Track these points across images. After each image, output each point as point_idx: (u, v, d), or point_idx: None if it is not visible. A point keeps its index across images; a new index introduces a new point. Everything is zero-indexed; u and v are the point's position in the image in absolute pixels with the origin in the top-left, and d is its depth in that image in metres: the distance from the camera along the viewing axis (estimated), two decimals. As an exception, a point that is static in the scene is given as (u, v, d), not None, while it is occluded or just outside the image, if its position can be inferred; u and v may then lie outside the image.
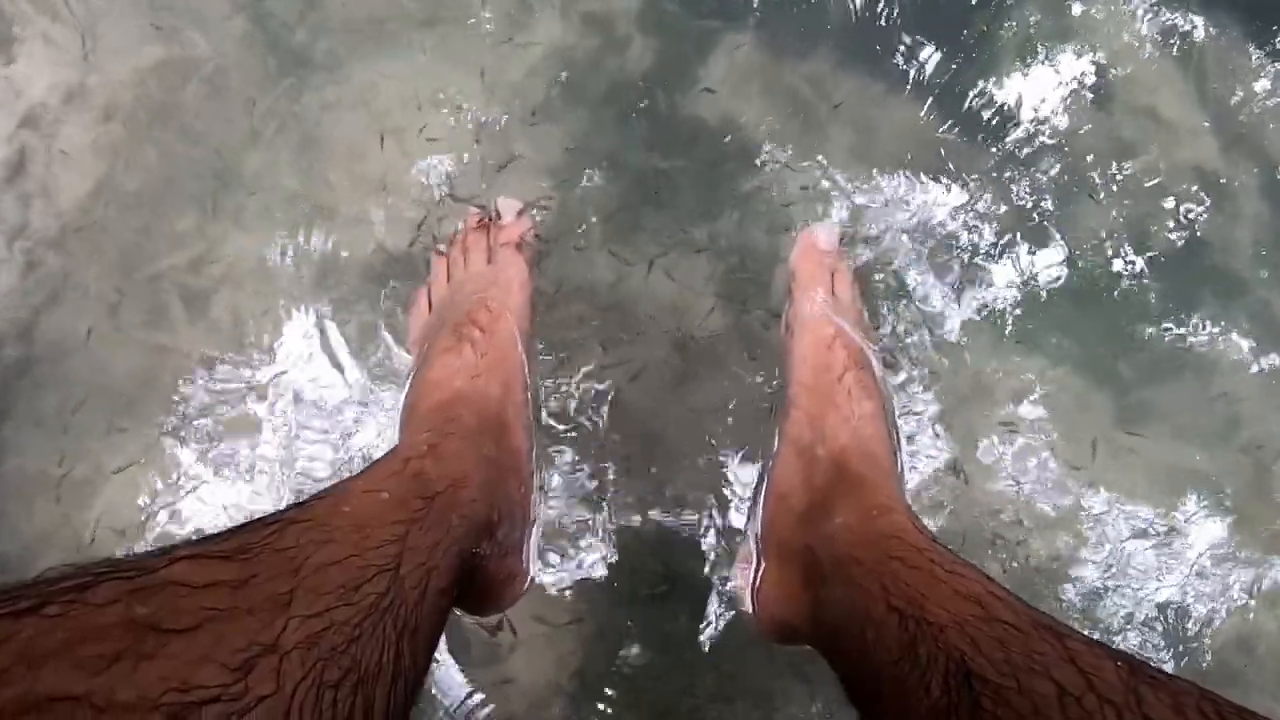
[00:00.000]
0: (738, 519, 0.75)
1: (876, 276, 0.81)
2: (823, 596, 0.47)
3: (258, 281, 0.81)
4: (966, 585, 0.38)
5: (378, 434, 0.77)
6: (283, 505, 0.76)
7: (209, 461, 0.77)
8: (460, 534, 0.45)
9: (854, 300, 0.66)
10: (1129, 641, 0.76)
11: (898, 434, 0.59)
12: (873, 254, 0.82)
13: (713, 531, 0.75)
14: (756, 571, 0.56)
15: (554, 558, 0.74)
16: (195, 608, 0.27)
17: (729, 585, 0.72)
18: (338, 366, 0.79)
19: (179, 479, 0.77)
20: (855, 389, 0.57)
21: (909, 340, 0.80)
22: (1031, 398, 0.81)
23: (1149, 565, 0.78)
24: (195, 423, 0.78)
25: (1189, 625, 0.77)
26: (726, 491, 0.76)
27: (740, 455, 0.77)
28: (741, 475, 0.76)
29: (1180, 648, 0.77)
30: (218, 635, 0.27)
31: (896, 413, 0.60)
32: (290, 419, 0.78)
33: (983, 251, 0.83)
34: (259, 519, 0.36)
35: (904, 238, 0.82)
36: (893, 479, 0.54)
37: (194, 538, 0.33)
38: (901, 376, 0.79)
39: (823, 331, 0.61)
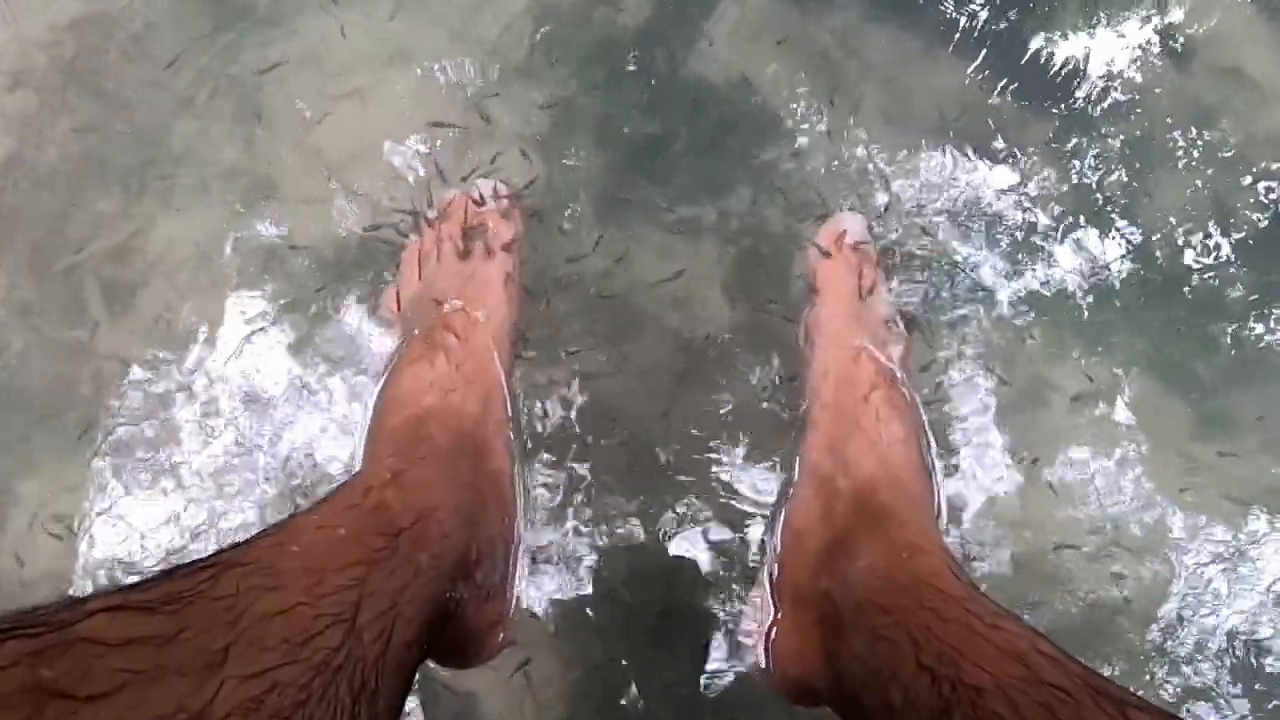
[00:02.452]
0: (749, 546, 0.75)
1: (915, 269, 0.81)
2: (843, 651, 0.47)
3: (191, 271, 0.81)
4: (1010, 641, 0.38)
5: (334, 454, 0.78)
6: (222, 535, 0.76)
7: (137, 481, 0.77)
8: (431, 576, 0.45)
9: (885, 304, 0.66)
10: (1202, 680, 0.77)
11: (934, 461, 0.59)
12: (911, 243, 0.82)
13: (720, 559, 0.76)
14: (770, 620, 0.56)
15: (538, 590, 0.75)
16: (110, 669, 0.27)
17: (740, 635, 0.72)
18: (286, 372, 0.79)
19: (104, 501, 0.77)
20: (884, 409, 0.57)
21: (956, 339, 0.80)
22: (1096, 403, 0.81)
23: (1229, 596, 0.78)
24: (121, 435, 0.78)
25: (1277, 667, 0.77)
26: (736, 514, 0.76)
27: (753, 473, 0.77)
28: (754, 495, 0.77)
29: (1268, 691, 0.77)
30: (137, 701, 0.27)
31: (932, 435, 0.60)
32: (231, 432, 0.78)
33: (1040, 235, 0.83)
34: (191, 563, 0.36)
35: (948, 222, 0.82)
36: (926, 513, 0.54)
37: (115, 585, 0.33)
38: (941, 355, 0.79)
39: (847, 342, 0.61)
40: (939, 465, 0.60)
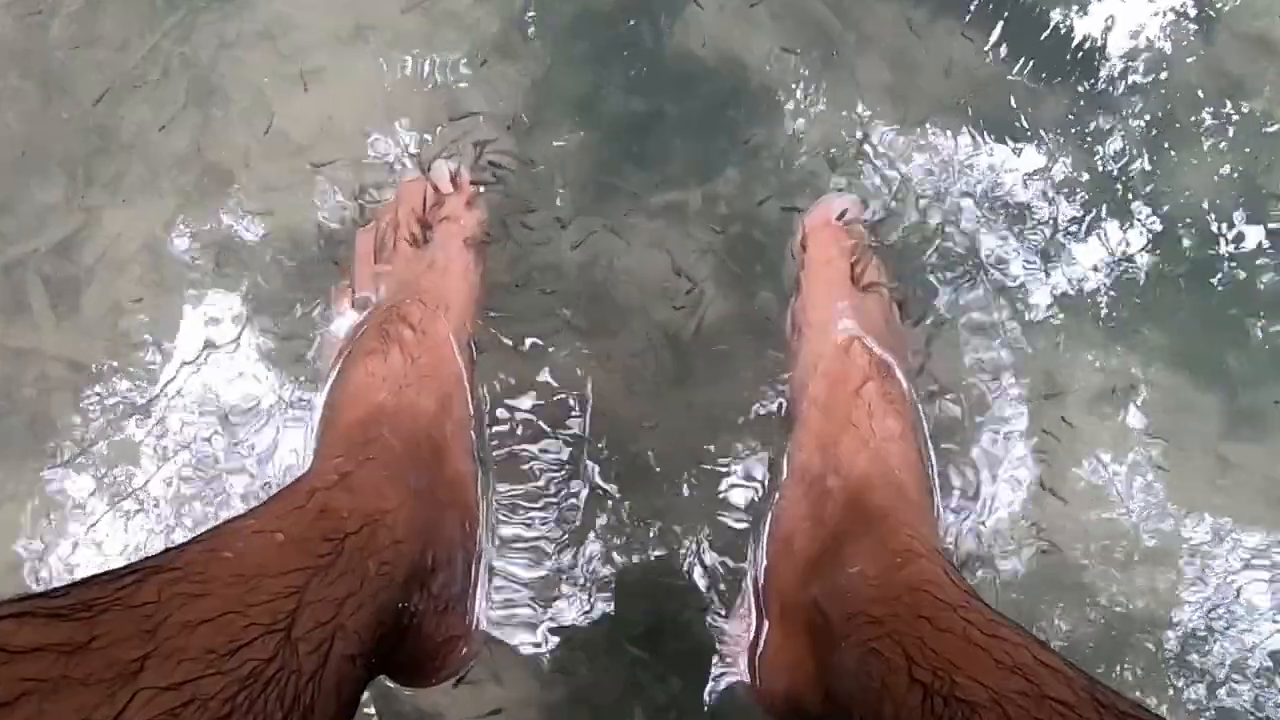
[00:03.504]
0: (735, 552, 0.75)
1: (915, 255, 0.81)
2: (833, 665, 0.47)
3: (141, 267, 0.81)
4: (1010, 652, 0.38)
5: (295, 459, 0.78)
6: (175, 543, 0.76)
7: (83, 496, 0.77)
8: (381, 585, 0.45)
9: (880, 291, 0.65)
10: (1231, 697, 0.76)
11: (933, 460, 0.58)
12: (911, 229, 0.81)
13: (707, 568, 0.75)
14: (756, 634, 0.56)
15: (510, 607, 0.75)
16: (10, 678, 0.27)
17: (724, 649, 0.72)
18: (244, 374, 0.79)
19: (44, 518, 0.77)
20: (877, 403, 0.57)
21: (961, 330, 0.80)
22: (1118, 400, 0.81)
23: (1262, 605, 0.78)
24: (65, 446, 0.78)
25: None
26: (722, 519, 0.76)
27: (738, 474, 0.77)
28: (740, 499, 0.76)
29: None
30: (36, 712, 0.27)
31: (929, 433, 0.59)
32: (186, 441, 0.78)
33: (1058, 222, 0.83)
34: (115, 569, 0.36)
35: (955, 208, 0.82)
36: (923, 515, 0.53)
37: (29, 591, 0.33)
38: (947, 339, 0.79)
39: (837, 332, 0.60)
40: (937, 463, 0.60)
